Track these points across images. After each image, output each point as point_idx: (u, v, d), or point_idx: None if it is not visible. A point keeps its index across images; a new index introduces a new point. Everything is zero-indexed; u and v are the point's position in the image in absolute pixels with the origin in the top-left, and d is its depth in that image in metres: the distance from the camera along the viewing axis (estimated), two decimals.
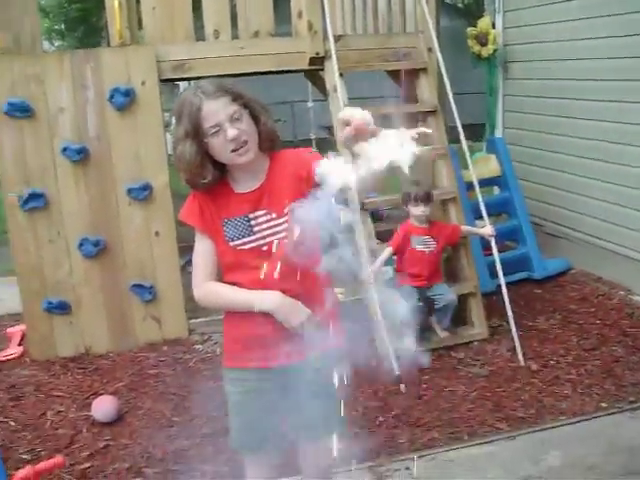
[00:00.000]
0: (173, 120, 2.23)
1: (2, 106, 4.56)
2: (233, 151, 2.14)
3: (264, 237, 2.23)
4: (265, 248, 2.22)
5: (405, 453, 3.52)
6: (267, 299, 2.21)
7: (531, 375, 4.25)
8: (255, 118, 2.19)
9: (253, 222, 2.23)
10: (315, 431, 2.41)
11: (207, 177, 2.18)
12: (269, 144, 2.25)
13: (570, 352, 4.53)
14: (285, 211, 2.21)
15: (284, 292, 2.21)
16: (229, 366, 2.41)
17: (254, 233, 2.23)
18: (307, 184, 2.17)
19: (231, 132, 2.11)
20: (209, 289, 2.30)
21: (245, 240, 2.23)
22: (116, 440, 3.79)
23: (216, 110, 2.11)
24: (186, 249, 5.47)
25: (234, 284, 2.26)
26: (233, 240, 2.24)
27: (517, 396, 4.01)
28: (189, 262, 5.63)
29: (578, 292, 5.58)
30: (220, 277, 2.31)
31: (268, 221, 2.22)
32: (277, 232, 2.22)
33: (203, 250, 2.30)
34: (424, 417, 3.83)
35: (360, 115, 1.88)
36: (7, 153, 4.66)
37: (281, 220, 2.22)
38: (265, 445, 2.42)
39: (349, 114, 1.88)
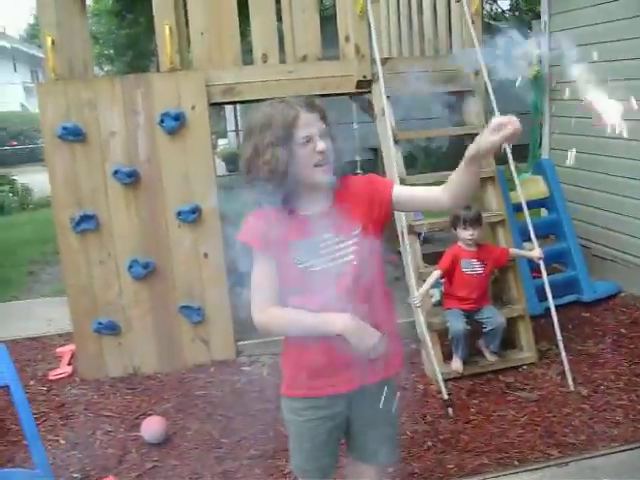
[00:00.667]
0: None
1: (56, 130, 4.67)
2: (317, 166, 2.15)
3: (334, 259, 2.21)
4: (334, 270, 2.20)
5: (454, 478, 3.48)
6: (340, 321, 2.17)
7: (581, 400, 4.18)
8: (333, 141, 2.21)
9: (322, 244, 2.21)
10: (375, 454, 2.45)
11: (288, 188, 2.15)
12: (339, 170, 2.25)
13: (621, 377, 4.44)
14: (353, 234, 2.22)
15: (354, 314, 2.19)
16: (295, 396, 2.35)
17: (323, 255, 2.21)
18: (380, 210, 2.23)
19: (321, 145, 2.13)
20: (275, 314, 2.24)
21: (314, 262, 2.20)
22: (164, 461, 3.82)
23: (311, 122, 2.14)
24: (233, 270, 5.53)
25: (300, 307, 2.21)
26: (302, 262, 2.20)
27: (568, 422, 3.94)
28: (235, 284, 5.68)
29: (628, 316, 5.48)
30: (282, 301, 2.25)
31: (337, 243, 2.21)
32: (346, 254, 2.21)
33: (267, 272, 2.23)
34: (473, 442, 3.78)
35: (515, 124, 1.92)
36: (59, 176, 4.75)
37: (350, 242, 2.21)
38: (330, 471, 2.45)
39: (505, 120, 1.93)
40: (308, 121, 2.14)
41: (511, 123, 1.88)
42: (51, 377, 5.01)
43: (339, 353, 2.20)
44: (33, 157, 19.97)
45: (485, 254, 4.61)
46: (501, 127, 1.90)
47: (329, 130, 2.20)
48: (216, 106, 5.60)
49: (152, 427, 4.04)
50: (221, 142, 18.47)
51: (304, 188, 2.20)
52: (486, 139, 1.94)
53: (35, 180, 13.07)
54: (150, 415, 4.26)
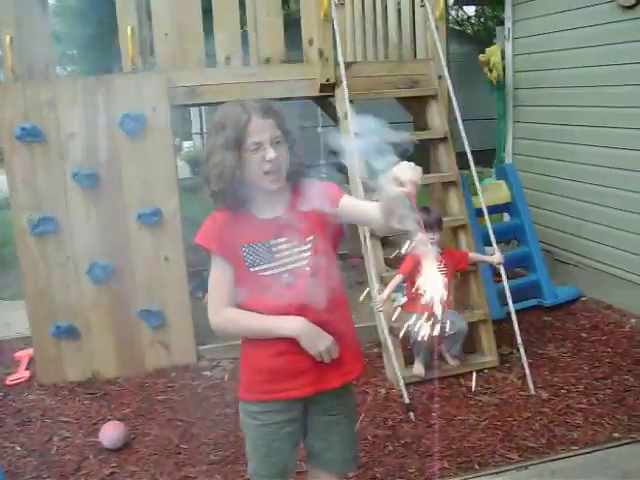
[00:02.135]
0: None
1: (14, 131, 4.59)
2: (266, 174, 2.14)
3: (285, 264, 2.21)
4: (286, 275, 2.21)
5: None
6: (292, 324, 2.18)
7: (542, 404, 4.20)
8: (290, 149, 2.20)
9: (274, 249, 2.22)
10: (332, 461, 2.44)
11: (237, 192, 2.17)
12: (296, 176, 2.25)
13: (581, 381, 4.47)
14: (307, 240, 2.21)
15: (306, 319, 2.20)
16: (252, 399, 2.34)
17: (275, 260, 2.21)
18: (329, 218, 2.19)
19: (271, 153, 2.12)
20: (229, 316, 2.25)
21: (266, 266, 2.21)
22: (123, 467, 3.76)
23: (262, 128, 2.13)
24: (194, 274, 5.50)
25: (252, 311, 2.22)
26: (254, 266, 2.21)
27: (528, 425, 3.96)
28: (197, 287, 5.65)
29: (589, 320, 5.53)
30: (236, 304, 2.26)
31: (289, 248, 2.21)
32: (298, 260, 2.21)
33: (222, 275, 2.24)
34: (434, 446, 3.78)
35: (415, 178, 1.79)
36: (18, 177, 4.68)
37: (303, 248, 2.21)
38: (286, 476, 2.43)
39: (404, 175, 1.79)
40: (259, 127, 2.13)
41: (407, 183, 1.77)
42: (8, 382, 4.92)
43: (295, 357, 2.21)
44: None
45: (446, 258, 4.61)
46: (398, 182, 1.79)
47: (285, 137, 2.19)
48: (181, 108, 5.56)
49: (111, 433, 3.98)
50: (186, 144, 18.35)
51: (258, 193, 2.21)
52: (386, 190, 1.84)
53: None
54: (109, 420, 4.20)
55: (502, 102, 7.07)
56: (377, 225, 2.09)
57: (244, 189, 2.17)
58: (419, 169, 1.82)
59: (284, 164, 2.17)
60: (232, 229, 2.21)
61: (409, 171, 1.80)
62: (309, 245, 2.22)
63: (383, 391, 4.45)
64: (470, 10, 20.26)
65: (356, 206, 2.25)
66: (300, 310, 2.18)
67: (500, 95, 7.03)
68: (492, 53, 6.86)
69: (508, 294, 4.64)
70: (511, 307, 4.64)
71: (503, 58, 6.95)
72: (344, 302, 2.34)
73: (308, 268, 2.20)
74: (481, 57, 6.99)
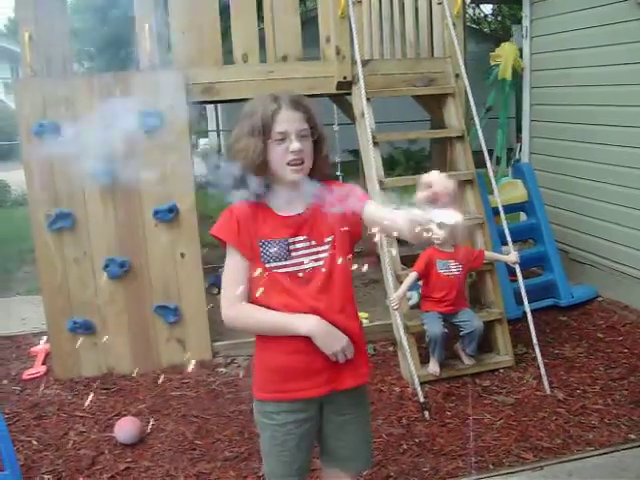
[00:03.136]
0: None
1: (32, 127, 4.61)
2: (289, 164, 2.14)
3: (301, 263, 2.20)
4: (301, 274, 2.20)
5: None
6: (307, 322, 2.16)
7: (557, 404, 4.19)
8: (316, 146, 2.21)
9: (292, 247, 2.20)
10: (346, 460, 2.43)
11: (259, 180, 2.16)
12: (320, 175, 2.24)
13: (597, 381, 4.46)
14: (325, 240, 2.20)
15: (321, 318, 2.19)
16: (266, 399, 2.32)
17: (291, 258, 2.20)
18: (351, 223, 2.18)
19: (295, 144, 2.12)
20: (242, 310, 2.21)
21: (281, 264, 2.19)
22: (138, 462, 3.78)
23: (290, 119, 2.14)
24: (210, 271, 5.52)
25: (265, 307, 2.20)
26: (269, 262, 2.19)
27: (543, 425, 3.95)
28: (213, 284, 5.66)
29: (605, 320, 5.50)
30: (250, 298, 2.24)
31: (307, 247, 2.20)
32: (315, 260, 2.20)
33: (237, 268, 2.22)
34: (448, 445, 3.77)
35: (444, 183, 1.84)
36: (36, 173, 4.70)
37: (321, 248, 2.20)
38: (303, 476, 2.42)
39: (433, 179, 1.85)
40: (287, 118, 2.13)
41: (435, 184, 1.84)
42: (25, 377, 4.95)
43: (310, 357, 2.19)
44: (12, 154, 19.76)
45: (461, 255, 4.60)
46: (427, 186, 1.84)
47: (313, 133, 2.19)
48: (198, 105, 5.57)
49: (126, 428, 4.00)
50: (202, 141, 18.39)
51: (281, 187, 2.20)
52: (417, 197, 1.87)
53: (14, 177, 12.95)
54: (124, 416, 4.22)
55: (506, 99, 7.03)
56: (404, 235, 2.05)
57: (269, 180, 2.18)
58: (450, 180, 1.85)
59: (308, 158, 2.17)
60: (250, 223, 2.19)
61: (437, 175, 1.85)
62: (327, 246, 2.21)
63: (398, 389, 4.45)
64: (487, 8, 20.18)
65: (383, 214, 2.17)
66: (313, 310, 2.17)
67: (504, 91, 6.98)
68: (502, 48, 6.83)
69: (524, 293, 4.63)
70: (527, 307, 4.62)
71: (521, 57, 6.92)
72: (354, 304, 2.33)
73: (324, 269, 2.19)
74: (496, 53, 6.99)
